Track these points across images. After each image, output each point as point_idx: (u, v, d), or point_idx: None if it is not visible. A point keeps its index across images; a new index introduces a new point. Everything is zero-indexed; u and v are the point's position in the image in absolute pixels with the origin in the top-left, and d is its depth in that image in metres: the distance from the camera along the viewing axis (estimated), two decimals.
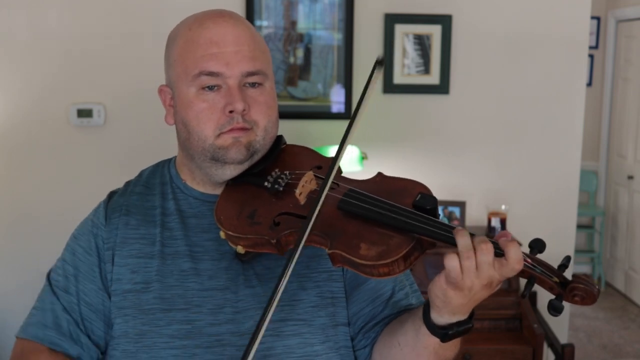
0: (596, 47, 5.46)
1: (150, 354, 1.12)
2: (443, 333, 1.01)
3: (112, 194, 1.27)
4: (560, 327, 3.27)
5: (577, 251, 4.98)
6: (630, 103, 5.14)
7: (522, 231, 3.19)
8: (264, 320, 0.97)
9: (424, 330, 1.03)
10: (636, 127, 5.05)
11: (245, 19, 1.20)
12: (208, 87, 1.13)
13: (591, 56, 5.40)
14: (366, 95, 1.06)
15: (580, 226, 5.01)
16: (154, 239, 1.18)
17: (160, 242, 1.18)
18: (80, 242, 1.21)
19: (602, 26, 5.47)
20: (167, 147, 1.44)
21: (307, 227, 1.01)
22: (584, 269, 5.72)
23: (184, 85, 1.14)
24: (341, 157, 1.06)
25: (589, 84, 5.47)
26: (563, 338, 3.24)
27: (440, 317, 1.01)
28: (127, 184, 1.28)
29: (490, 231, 3.03)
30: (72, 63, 2.97)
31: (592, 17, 5.16)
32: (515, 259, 0.92)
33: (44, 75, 2.97)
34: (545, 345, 2.87)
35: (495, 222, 3.03)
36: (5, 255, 3.03)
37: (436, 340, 1.03)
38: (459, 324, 1.01)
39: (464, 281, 0.94)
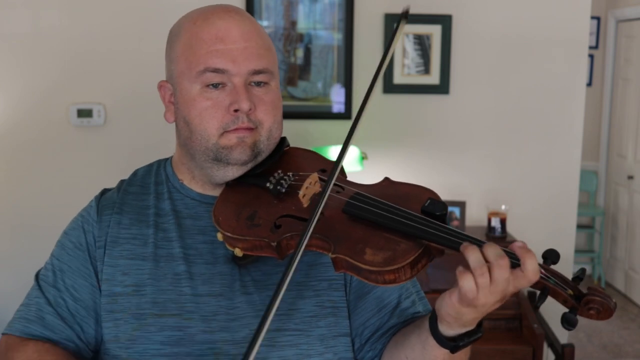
0: (596, 47, 5.46)
1: None
2: (453, 345, 0.98)
3: (105, 191, 1.24)
4: (560, 327, 3.27)
5: (577, 251, 4.98)
6: (630, 103, 5.14)
7: (522, 231, 3.19)
8: (261, 331, 0.93)
9: (432, 342, 0.99)
10: (636, 127, 5.05)
11: (251, 16, 1.16)
12: (212, 84, 1.08)
13: (591, 56, 5.39)
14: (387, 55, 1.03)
15: (580, 226, 5.01)
16: (147, 239, 1.14)
17: (154, 244, 1.13)
18: (70, 238, 1.18)
19: (602, 26, 5.46)
20: (168, 147, 1.43)
21: (307, 231, 0.96)
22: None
23: (187, 82, 1.10)
24: (345, 154, 1.02)
25: (589, 84, 5.46)
26: (563, 338, 3.23)
27: (450, 330, 0.97)
28: (121, 182, 1.24)
29: (490, 231, 3.03)
30: (72, 63, 2.97)
31: (592, 17, 5.16)
32: (532, 270, 0.89)
33: (44, 75, 2.97)
34: (545, 345, 2.86)
35: (495, 222, 3.03)
36: (5, 255, 3.03)
37: (445, 351, 0.99)
38: (469, 334, 0.98)
39: (479, 299, 0.90)
